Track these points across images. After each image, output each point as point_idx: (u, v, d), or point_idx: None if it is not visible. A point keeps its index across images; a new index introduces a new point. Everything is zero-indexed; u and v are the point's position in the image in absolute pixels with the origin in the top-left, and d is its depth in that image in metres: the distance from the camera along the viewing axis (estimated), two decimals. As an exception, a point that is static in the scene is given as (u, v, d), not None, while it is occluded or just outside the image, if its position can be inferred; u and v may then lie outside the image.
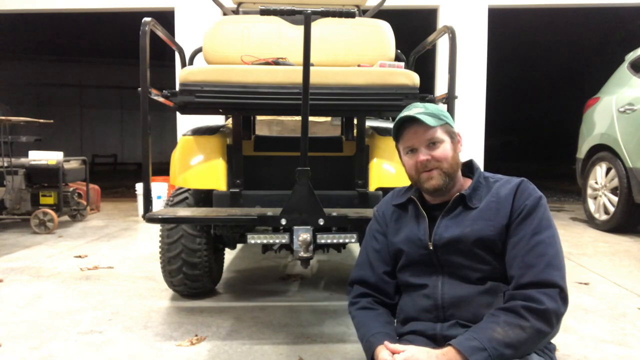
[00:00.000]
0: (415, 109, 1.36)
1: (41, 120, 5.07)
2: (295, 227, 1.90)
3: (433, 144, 1.35)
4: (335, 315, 2.35)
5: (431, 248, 1.35)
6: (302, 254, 1.90)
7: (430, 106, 1.38)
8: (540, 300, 1.16)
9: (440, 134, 1.36)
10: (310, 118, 1.89)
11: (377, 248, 1.49)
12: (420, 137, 1.35)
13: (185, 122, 5.32)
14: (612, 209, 4.51)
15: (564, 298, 1.19)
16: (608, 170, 4.59)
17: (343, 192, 2.33)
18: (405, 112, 1.37)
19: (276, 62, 2.27)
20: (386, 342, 1.25)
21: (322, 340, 2.04)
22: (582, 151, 5.02)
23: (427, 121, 1.32)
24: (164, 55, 5.57)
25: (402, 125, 1.38)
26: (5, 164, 4.60)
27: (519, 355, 1.15)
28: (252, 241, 1.99)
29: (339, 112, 2.70)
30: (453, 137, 1.39)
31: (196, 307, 2.46)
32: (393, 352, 1.21)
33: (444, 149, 1.35)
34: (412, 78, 2.05)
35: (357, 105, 2.05)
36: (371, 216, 1.60)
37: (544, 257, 1.21)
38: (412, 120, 1.35)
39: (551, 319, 1.16)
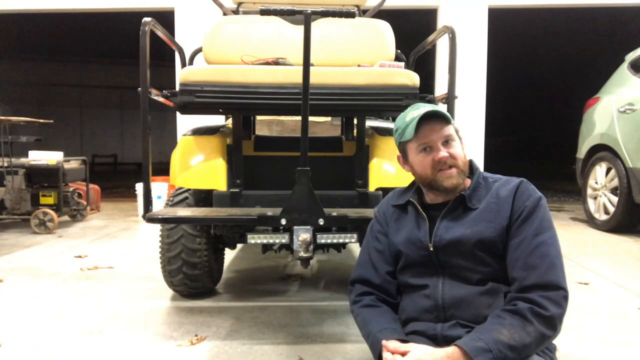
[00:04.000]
0: (424, 108, 1.34)
1: (41, 120, 5.08)
2: (295, 227, 1.90)
3: (447, 142, 1.33)
4: (335, 315, 2.35)
5: (431, 249, 1.35)
6: (302, 254, 1.90)
7: (434, 106, 1.37)
8: (546, 306, 1.17)
9: (453, 132, 1.35)
10: (310, 118, 1.89)
11: (380, 248, 1.49)
12: (437, 133, 1.32)
13: (185, 122, 5.31)
14: (612, 209, 4.51)
15: (565, 298, 1.20)
16: (608, 170, 4.59)
17: (343, 192, 2.33)
18: (415, 111, 1.34)
19: (276, 62, 2.27)
20: (384, 343, 1.25)
21: (322, 340, 2.04)
22: (582, 151, 5.02)
23: (446, 116, 1.31)
24: (164, 55, 5.58)
25: (418, 122, 1.33)
26: (5, 164, 4.60)
27: (521, 357, 1.15)
28: (252, 241, 1.99)
29: (339, 112, 2.70)
30: (460, 137, 1.39)
31: (196, 307, 2.46)
32: (393, 353, 1.21)
33: (458, 147, 1.35)
34: (412, 78, 2.05)
35: (357, 105, 2.05)
36: (371, 216, 1.60)
37: (547, 257, 1.22)
38: (428, 117, 1.32)
39: (555, 324, 1.18)
